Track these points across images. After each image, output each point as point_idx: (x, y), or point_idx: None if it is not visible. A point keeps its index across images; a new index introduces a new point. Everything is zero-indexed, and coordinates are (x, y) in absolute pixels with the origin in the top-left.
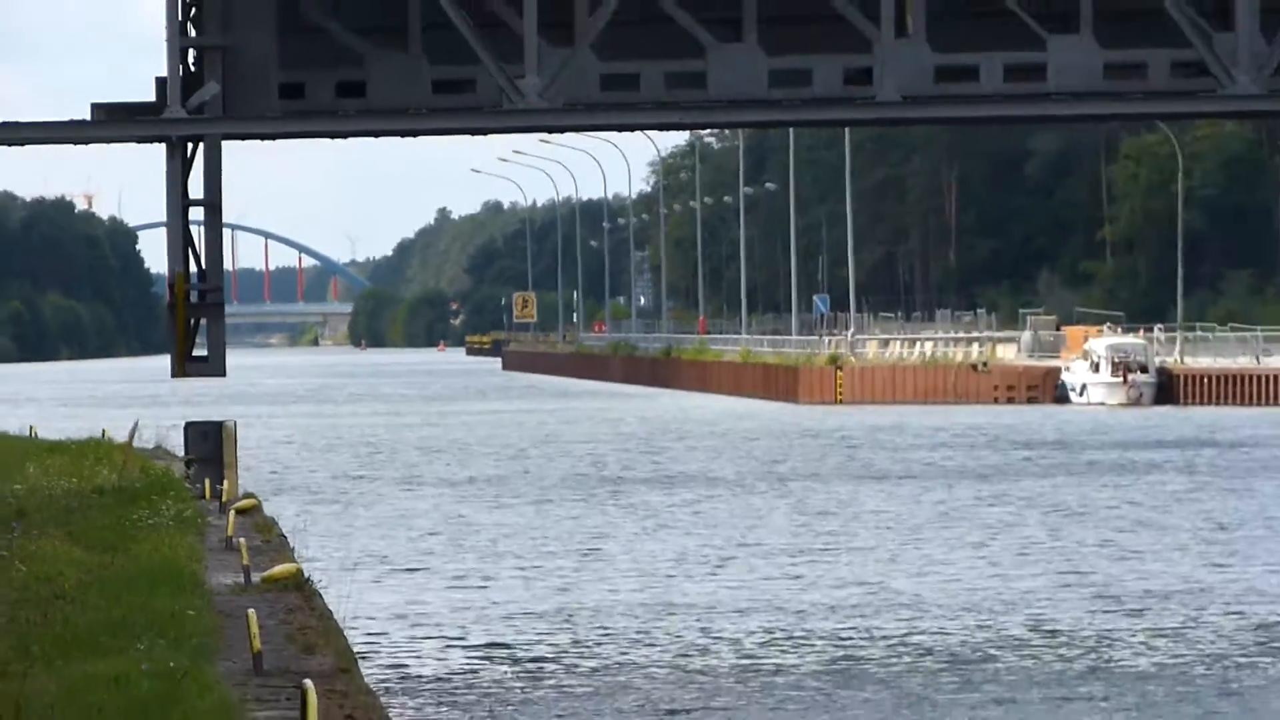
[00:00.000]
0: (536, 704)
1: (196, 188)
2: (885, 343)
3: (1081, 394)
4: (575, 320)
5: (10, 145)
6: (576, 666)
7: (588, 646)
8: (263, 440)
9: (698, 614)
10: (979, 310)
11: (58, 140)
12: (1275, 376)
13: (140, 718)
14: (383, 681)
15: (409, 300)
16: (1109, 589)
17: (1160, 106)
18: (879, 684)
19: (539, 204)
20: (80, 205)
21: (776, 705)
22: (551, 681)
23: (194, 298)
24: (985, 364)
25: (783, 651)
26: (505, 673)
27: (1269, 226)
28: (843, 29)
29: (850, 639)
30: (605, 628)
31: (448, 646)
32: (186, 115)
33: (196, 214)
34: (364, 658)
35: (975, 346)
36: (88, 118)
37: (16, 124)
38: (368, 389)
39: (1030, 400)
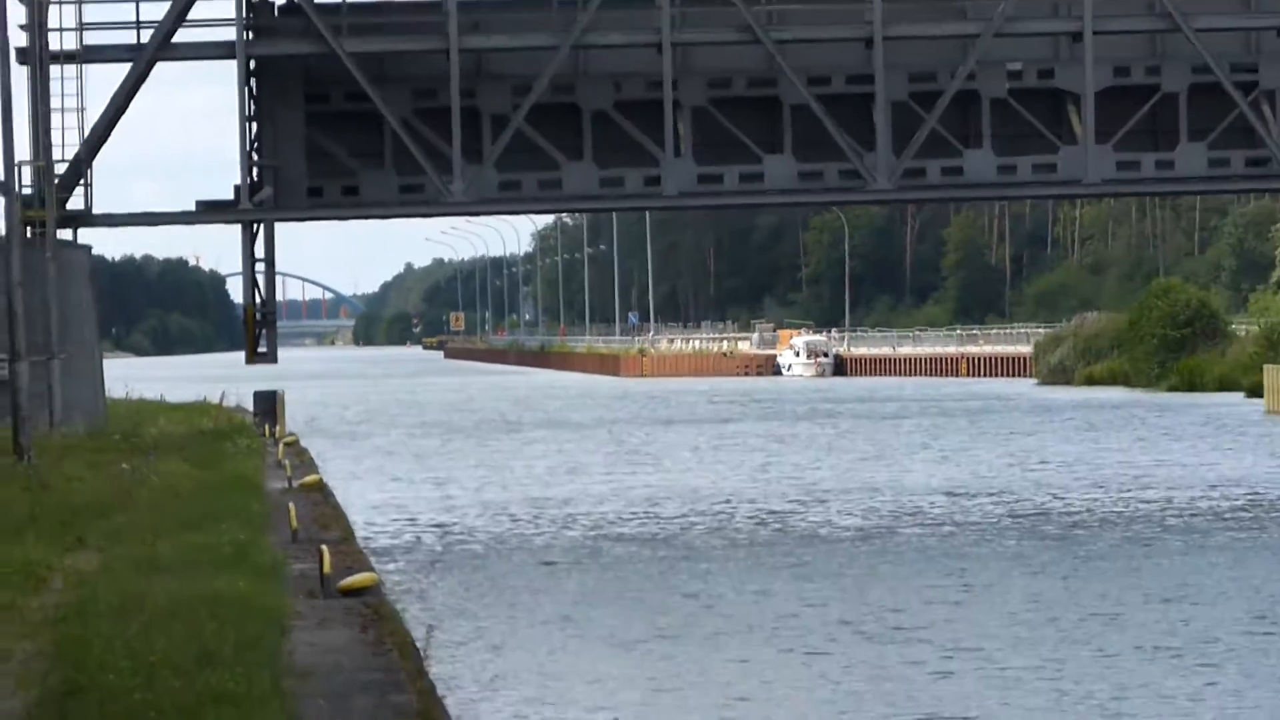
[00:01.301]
0: (472, 557)
1: (260, 250)
2: (671, 340)
3: (789, 370)
4: (487, 329)
5: (152, 225)
6: (500, 536)
7: (503, 525)
8: (300, 401)
9: (568, 503)
10: (728, 321)
11: (179, 223)
12: (905, 358)
13: (224, 566)
14: (370, 546)
15: (389, 317)
16: (807, 486)
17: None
18: (661, 544)
19: (466, 258)
20: (191, 262)
21: (612, 555)
22: (480, 545)
23: (258, 316)
24: (731, 353)
25: (612, 524)
26: (452, 540)
27: (900, 268)
28: (638, 152)
29: (651, 515)
30: (512, 514)
31: (413, 524)
32: (252, 208)
33: (260, 266)
34: (359, 532)
35: (725, 343)
36: (194, 209)
37: (155, 214)
38: (364, 370)
39: (759, 374)
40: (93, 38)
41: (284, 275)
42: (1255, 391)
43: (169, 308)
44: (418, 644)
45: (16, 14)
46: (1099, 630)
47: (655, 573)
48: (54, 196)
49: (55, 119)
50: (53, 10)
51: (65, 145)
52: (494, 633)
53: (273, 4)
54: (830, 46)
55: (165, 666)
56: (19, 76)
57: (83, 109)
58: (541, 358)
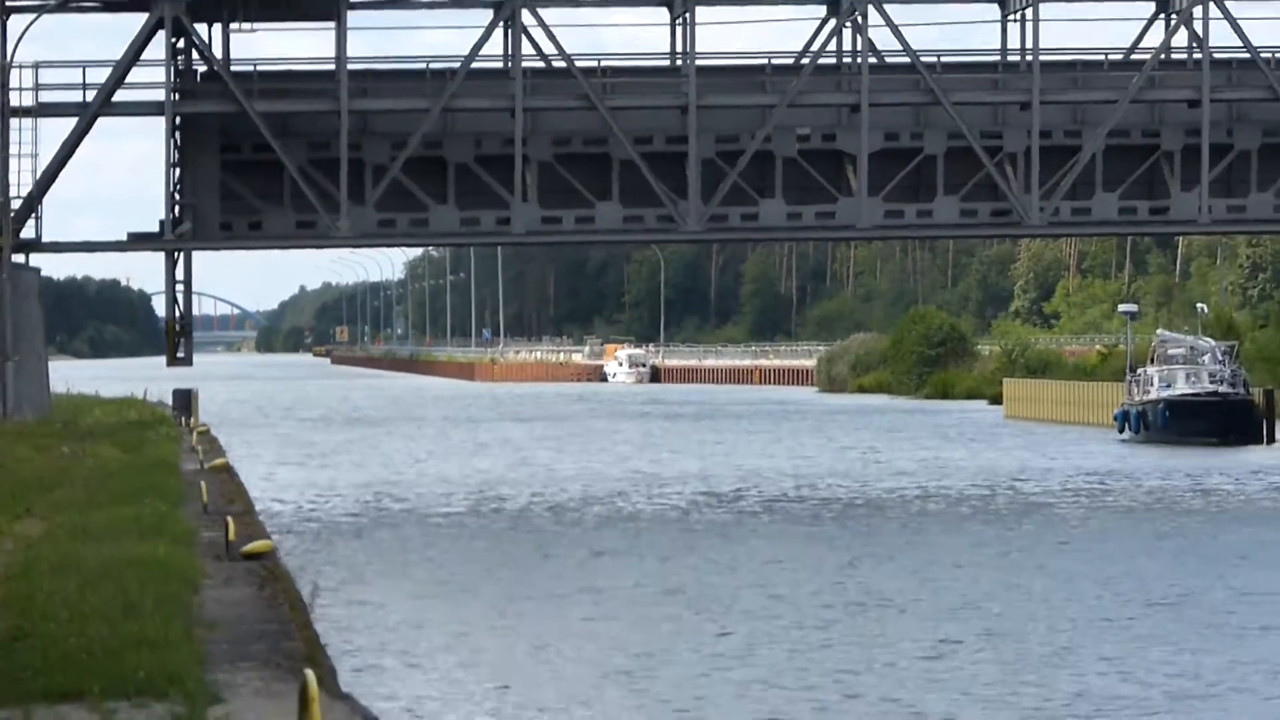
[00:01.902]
0: (353, 527)
1: (180, 273)
2: (518, 351)
3: (614, 377)
4: (366, 340)
5: (91, 252)
6: (377, 510)
7: (380, 501)
8: (211, 398)
9: (432, 483)
10: (564, 336)
11: (113, 250)
12: (709, 369)
13: (146, 534)
14: (267, 518)
15: (285, 330)
16: (631, 471)
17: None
18: (506, 518)
19: (350, 282)
20: (123, 282)
21: (468, 527)
22: (360, 518)
23: (177, 328)
24: (567, 362)
25: (467, 501)
26: (336, 513)
27: (706, 295)
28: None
29: (498, 496)
30: (387, 493)
31: (303, 500)
32: (174, 239)
33: (180, 286)
34: (258, 506)
35: (562, 354)
36: (126, 239)
37: (93, 243)
38: (264, 373)
39: (589, 380)
40: (47, 95)
41: (199, 294)
42: (996, 400)
43: (104, 320)
44: (305, 599)
45: None
46: (851, 582)
47: (503, 542)
48: (9, 227)
49: (13, 163)
50: (14, 72)
51: (21, 185)
52: (370, 590)
53: (195, 71)
54: (653, 112)
55: (96, 617)
56: None
57: (36, 155)
58: (410, 364)
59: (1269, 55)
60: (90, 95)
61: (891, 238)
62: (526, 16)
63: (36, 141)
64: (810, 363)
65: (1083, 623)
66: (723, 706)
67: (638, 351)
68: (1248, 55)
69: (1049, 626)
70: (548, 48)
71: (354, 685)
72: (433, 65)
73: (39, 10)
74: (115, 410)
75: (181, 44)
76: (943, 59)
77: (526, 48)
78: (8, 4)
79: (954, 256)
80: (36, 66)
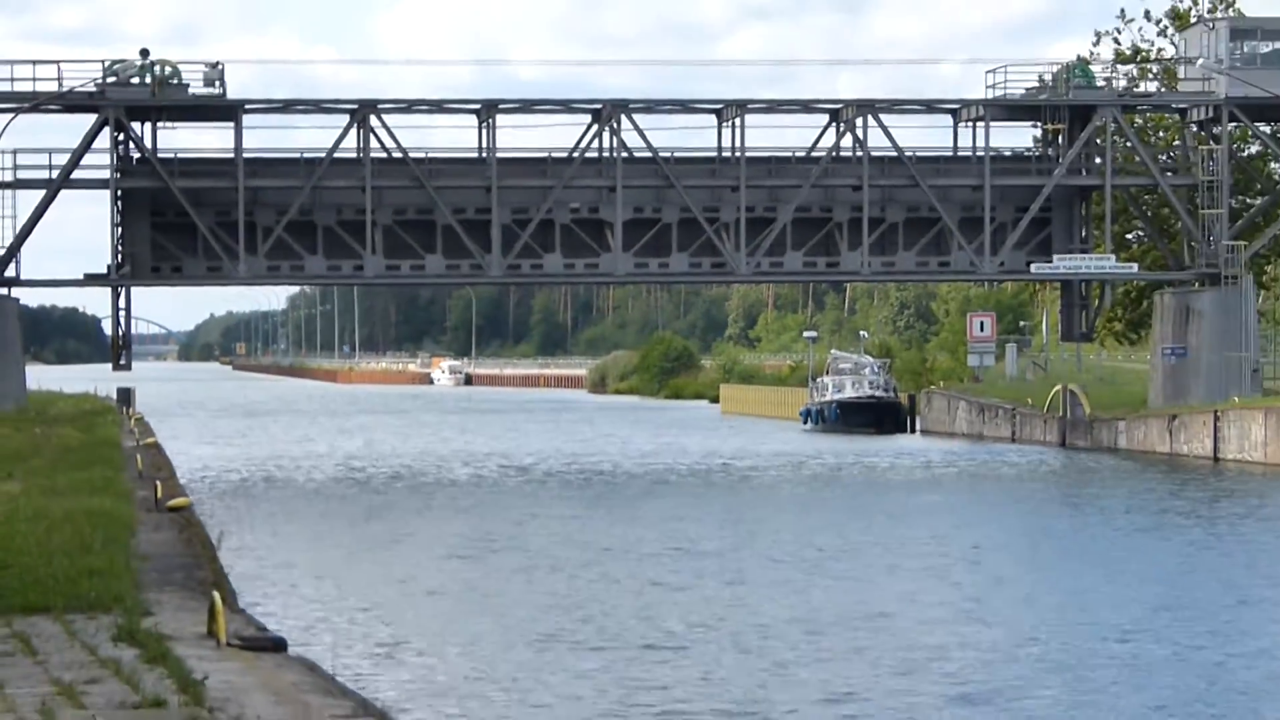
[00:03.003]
0: (251, 489)
1: (122, 303)
2: (369, 363)
3: (438, 381)
4: (258, 353)
5: (56, 287)
6: (269, 477)
7: (270, 470)
8: (145, 394)
9: (308, 458)
10: (402, 351)
11: (73, 285)
12: (509, 375)
13: (97, 492)
14: (187, 480)
15: (200, 344)
16: (453, 449)
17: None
18: (367, 484)
19: (247, 311)
20: (80, 309)
21: (339, 492)
22: (256, 482)
23: (120, 343)
24: (403, 370)
25: (337, 471)
26: (238, 478)
27: (506, 322)
28: (351, 251)
29: (359, 469)
30: (276, 465)
31: (212, 468)
32: (118, 278)
33: (122, 313)
34: (180, 472)
35: (400, 364)
36: (83, 278)
37: (58, 280)
38: (183, 376)
39: (420, 384)
40: (23, 173)
41: (136, 318)
42: (715, 400)
43: (65, 336)
44: (213, 541)
45: None
46: (609, 531)
47: (360, 501)
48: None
49: None
50: None
51: (3, 239)
52: (261, 535)
53: (132, 157)
54: (467, 190)
55: (59, 553)
56: None
57: (15, 217)
58: (291, 371)
59: (911, 154)
60: (55, 173)
61: (639, 282)
62: (375, 120)
63: (15, 206)
64: (582, 372)
65: (771, 557)
66: (518, 605)
67: (456, 363)
68: (896, 154)
69: (748, 562)
70: (390, 143)
71: (249, 604)
72: (306, 155)
73: (15, 111)
74: (74, 403)
75: (121, 137)
76: (676, 154)
77: (377, 143)
78: None
79: (685, 296)
80: (15, 152)
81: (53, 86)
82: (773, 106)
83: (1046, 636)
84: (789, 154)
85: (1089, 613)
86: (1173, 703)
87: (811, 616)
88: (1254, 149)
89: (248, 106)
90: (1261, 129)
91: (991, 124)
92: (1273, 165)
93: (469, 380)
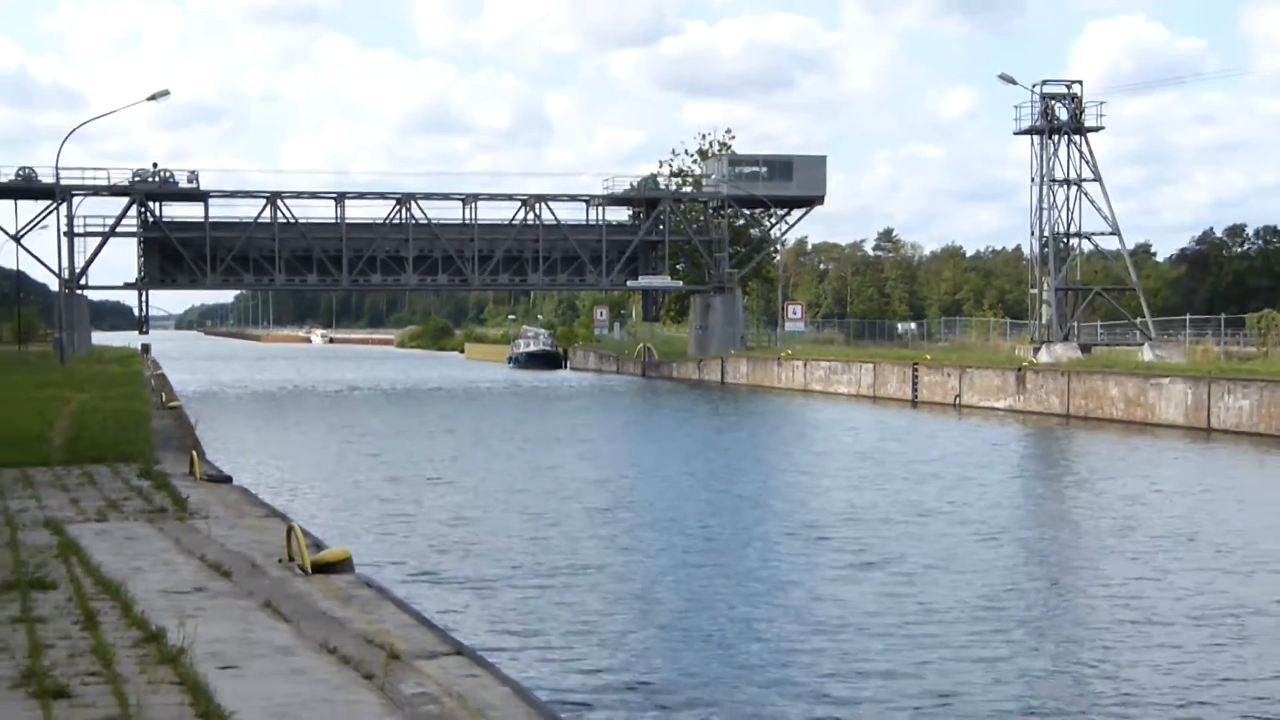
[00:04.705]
0: (220, 398)
1: (145, 299)
2: (278, 330)
3: (313, 342)
4: (218, 325)
5: (104, 290)
6: (232, 391)
7: (232, 388)
8: (156, 348)
9: (244, 381)
10: (296, 325)
11: (118, 290)
12: (357, 338)
13: (130, 399)
14: (178, 392)
15: (186, 322)
16: (323, 379)
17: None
18: (279, 395)
19: (213, 304)
20: (122, 301)
21: (282, 403)
22: (224, 393)
23: (143, 321)
24: (296, 335)
25: (277, 391)
26: (211, 391)
27: (361, 311)
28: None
29: (272, 385)
30: (237, 385)
31: (193, 385)
32: (141, 285)
33: (146, 304)
34: (176, 388)
35: (295, 332)
36: (122, 285)
37: (109, 285)
38: (176, 340)
39: (306, 343)
40: (92, 226)
41: (151, 307)
42: (463, 352)
43: (114, 317)
44: (193, 424)
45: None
46: (407, 433)
47: (281, 405)
48: (74, 283)
49: (77, 257)
50: (79, 214)
51: (79, 264)
52: (221, 422)
53: (149, 220)
54: (328, 239)
55: (109, 430)
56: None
57: (85, 252)
58: (235, 335)
59: (565, 223)
60: (107, 227)
61: (422, 289)
62: (280, 201)
63: (85, 246)
64: (393, 336)
65: (499, 444)
66: (365, 452)
67: (325, 331)
68: (556, 223)
69: (466, 443)
70: (285, 214)
71: (211, 457)
72: (242, 220)
73: (85, 195)
74: (117, 352)
75: (142, 210)
76: (437, 221)
77: (283, 214)
78: (72, 192)
79: (444, 296)
80: (85, 217)
81: (104, 180)
82: (493, 197)
83: (625, 467)
84: (502, 221)
85: (642, 452)
86: (677, 490)
87: (462, 453)
88: (740, 222)
89: (211, 194)
90: (744, 211)
91: (606, 208)
92: (751, 231)
93: (331, 341)
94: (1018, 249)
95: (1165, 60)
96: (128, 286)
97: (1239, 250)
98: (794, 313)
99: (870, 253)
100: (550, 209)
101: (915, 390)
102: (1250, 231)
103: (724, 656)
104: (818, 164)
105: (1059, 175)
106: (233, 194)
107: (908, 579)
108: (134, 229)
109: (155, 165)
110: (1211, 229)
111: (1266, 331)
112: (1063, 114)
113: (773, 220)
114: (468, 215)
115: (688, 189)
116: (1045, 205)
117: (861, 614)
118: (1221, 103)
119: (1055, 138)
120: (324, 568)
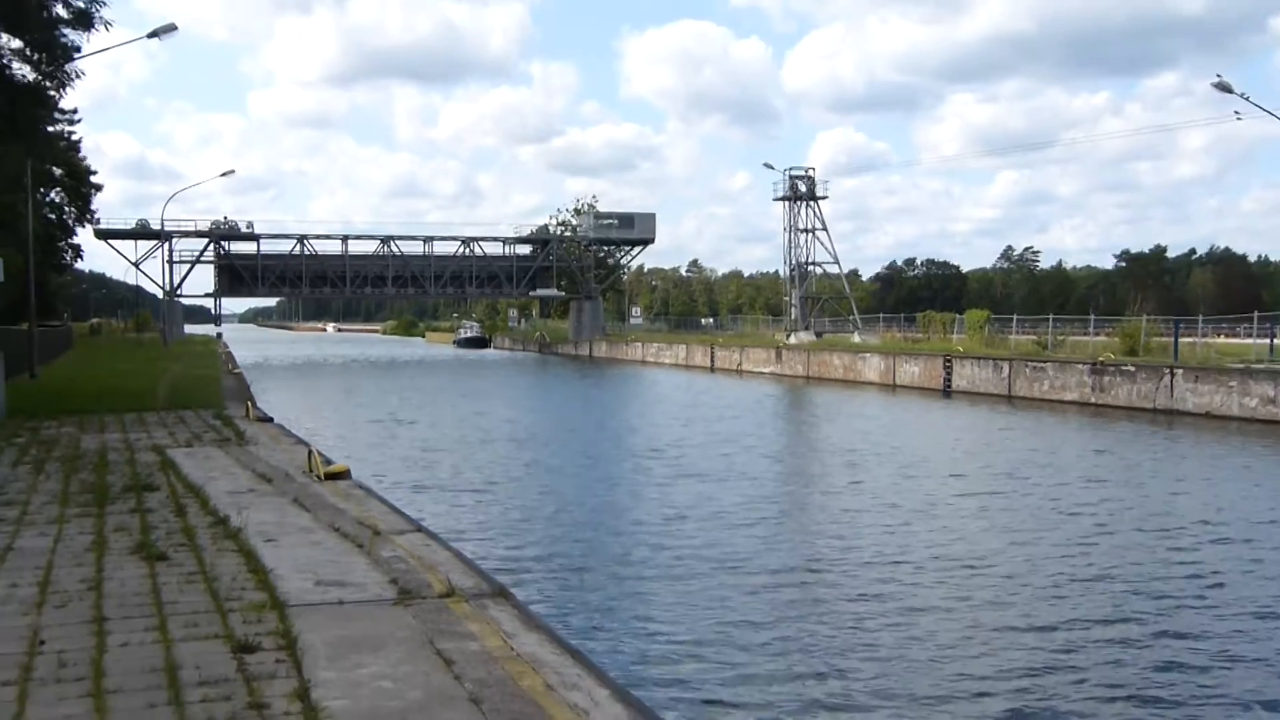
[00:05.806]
0: (270, 369)
1: (220, 304)
2: (307, 325)
3: (329, 332)
4: (268, 319)
5: (192, 298)
6: (273, 363)
7: (272, 363)
8: (226, 337)
9: (280, 357)
10: (318, 320)
11: (200, 297)
12: (360, 329)
13: (206, 367)
14: (241, 363)
15: (246, 319)
16: (327, 356)
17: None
18: (303, 367)
19: (264, 306)
20: (203, 305)
21: (300, 370)
22: (271, 366)
23: (217, 318)
24: (317, 328)
25: (292, 362)
26: (261, 363)
27: (360, 309)
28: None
29: (299, 360)
30: (273, 359)
31: (248, 360)
32: (216, 294)
33: (220, 307)
34: (240, 361)
35: (317, 326)
36: (202, 294)
37: (196, 294)
38: (239, 331)
39: (323, 333)
40: (186, 256)
41: (223, 310)
42: (425, 338)
43: (199, 317)
44: (249, 385)
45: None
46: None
47: (304, 376)
48: (173, 293)
49: (170, 277)
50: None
51: (176, 281)
52: (268, 385)
53: (222, 253)
54: (332, 262)
55: (193, 388)
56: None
57: (180, 274)
58: (278, 326)
59: (491, 256)
60: (196, 256)
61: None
62: (308, 241)
63: (179, 269)
64: (380, 328)
65: (461, 404)
66: (367, 405)
67: (337, 324)
68: (484, 257)
69: (421, 398)
70: (311, 249)
71: (262, 405)
72: (281, 254)
73: (183, 236)
74: (201, 339)
75: (220, 245)
76: (407, 254)
77: (310, 248)
78: (171, 235)
79: (412, 301)
80: (181, 250)
81: (192, 228)
82: (444, 238)
83: (529, 411)
84: (450, 253)
85: (540, 400)
86: (570, 428)
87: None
88: (602, 254)
89: (261, 236)
90: (604, 248)
91: (516, 245)
92: (608, 260)
93: (340, 330)
94: (776, 273)
95: (865, 155)
96: (207, 296)
97: (912, 274)
98: (635, 313)
99: (684, 274)
100: (480, 246)
101: (713, 361)
102: (919, 262)
103: (595, 531)
104: (650, 218)
105: (801, 226)
106: (275, 236)
107: (699, 478)
108: (211, 259)
109: (225, 218)
110: (895, 261)
111: (928, 325)
112: (803, 188)
113: (622, 254)
114: (427, 250)
115: (568, 233)
116: (793, 246)
117: (673, 508)
118: (900, 182)
119: (799, 203)
120: (332, 476)
